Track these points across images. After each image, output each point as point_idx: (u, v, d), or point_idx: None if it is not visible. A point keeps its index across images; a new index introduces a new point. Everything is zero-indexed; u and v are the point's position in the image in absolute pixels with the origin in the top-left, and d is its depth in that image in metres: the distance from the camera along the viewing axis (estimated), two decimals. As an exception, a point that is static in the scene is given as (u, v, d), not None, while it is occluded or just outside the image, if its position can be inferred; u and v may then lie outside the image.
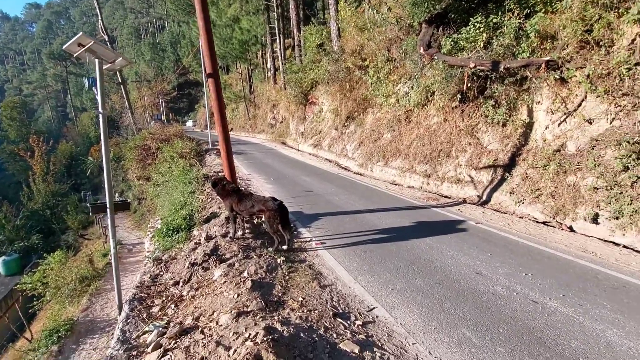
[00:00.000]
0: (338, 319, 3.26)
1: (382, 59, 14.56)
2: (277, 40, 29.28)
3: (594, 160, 6.61)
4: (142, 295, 3.96)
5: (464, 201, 9.11)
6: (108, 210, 5.51)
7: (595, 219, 6.24)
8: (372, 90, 15.42)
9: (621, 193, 5.94)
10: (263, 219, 5.07)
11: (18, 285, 12.21)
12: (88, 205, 6.05)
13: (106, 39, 25.44)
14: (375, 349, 2.88)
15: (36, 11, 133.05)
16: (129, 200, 6.82)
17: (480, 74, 8.94)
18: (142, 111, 48.18)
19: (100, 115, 5.35)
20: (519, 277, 4.36)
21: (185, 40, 57.06)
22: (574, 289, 4.05)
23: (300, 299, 3.58)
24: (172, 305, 3.70)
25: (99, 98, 5.33)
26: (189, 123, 54.25)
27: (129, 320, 3.42)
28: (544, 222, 6.94)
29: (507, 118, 9.06)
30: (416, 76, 12.44)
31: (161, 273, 4.56)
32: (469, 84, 9.30)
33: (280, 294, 3.66)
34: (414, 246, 5.34)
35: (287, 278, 4.05)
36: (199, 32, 5.47)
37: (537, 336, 3.17)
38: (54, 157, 38.86)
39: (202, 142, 22.18)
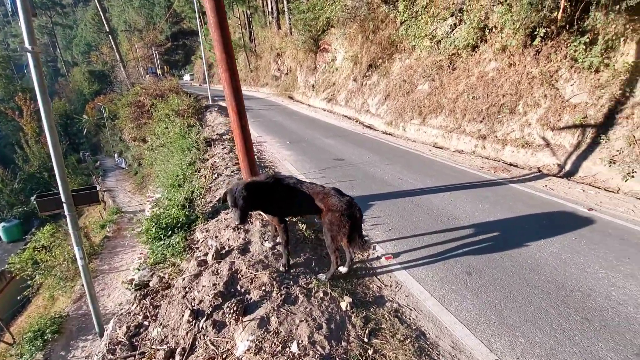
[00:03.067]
0: None
1: (420, -12, 11.67)
2: (280, -25, 25.29)
3: None
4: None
5: (539, 171, 7.15)
6: (65, 207, 3.57)
7: None
8: (403, 31, 12.66)
9: None
10: (322, 221, 3.03)
11: (7, 266, 10.79)
12: (33, 200, 4.12)
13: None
14: None
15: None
16: (97, 187, 4.83)
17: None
18: (135, 64, 44.68)
19: (30, 56, 3.20)
20: None
21: (176, -19, 51.09)
22: None
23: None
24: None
25: (22, 25, 3.14)
26: (186, 77, 50.70)
27: None
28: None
29: (604, 61, 6.82)
30: (465, 8, 9.77)
31: (146, 322, 2.76)
32: (562, 14, 6.79)
33: (370, 405, 1.86)
34: (537, 260, 3.45)
35: (369, 352, 2.23)
36: None
37: None
38: (45, 116, 36.51)
39: (201, 97, 19.74)
